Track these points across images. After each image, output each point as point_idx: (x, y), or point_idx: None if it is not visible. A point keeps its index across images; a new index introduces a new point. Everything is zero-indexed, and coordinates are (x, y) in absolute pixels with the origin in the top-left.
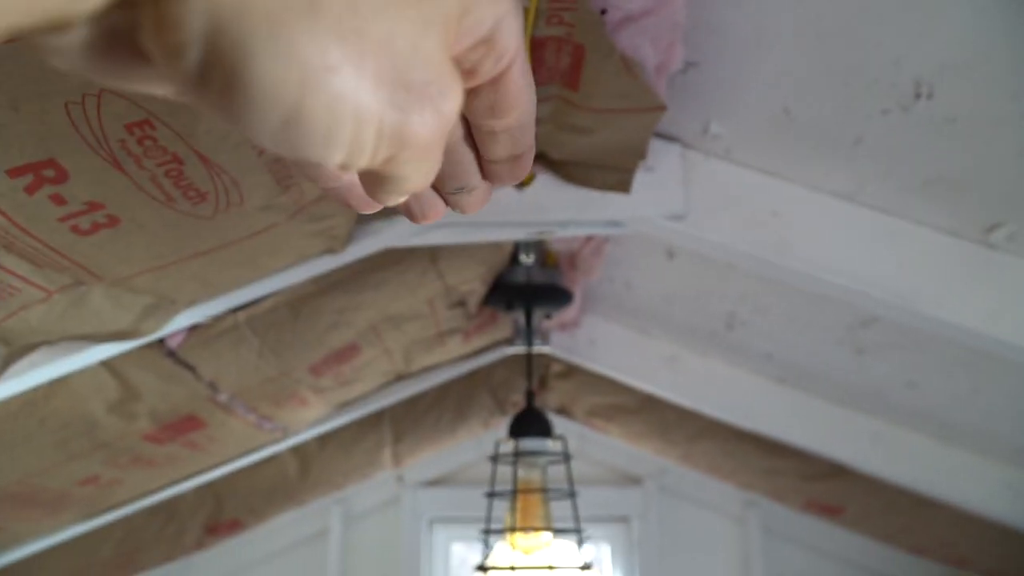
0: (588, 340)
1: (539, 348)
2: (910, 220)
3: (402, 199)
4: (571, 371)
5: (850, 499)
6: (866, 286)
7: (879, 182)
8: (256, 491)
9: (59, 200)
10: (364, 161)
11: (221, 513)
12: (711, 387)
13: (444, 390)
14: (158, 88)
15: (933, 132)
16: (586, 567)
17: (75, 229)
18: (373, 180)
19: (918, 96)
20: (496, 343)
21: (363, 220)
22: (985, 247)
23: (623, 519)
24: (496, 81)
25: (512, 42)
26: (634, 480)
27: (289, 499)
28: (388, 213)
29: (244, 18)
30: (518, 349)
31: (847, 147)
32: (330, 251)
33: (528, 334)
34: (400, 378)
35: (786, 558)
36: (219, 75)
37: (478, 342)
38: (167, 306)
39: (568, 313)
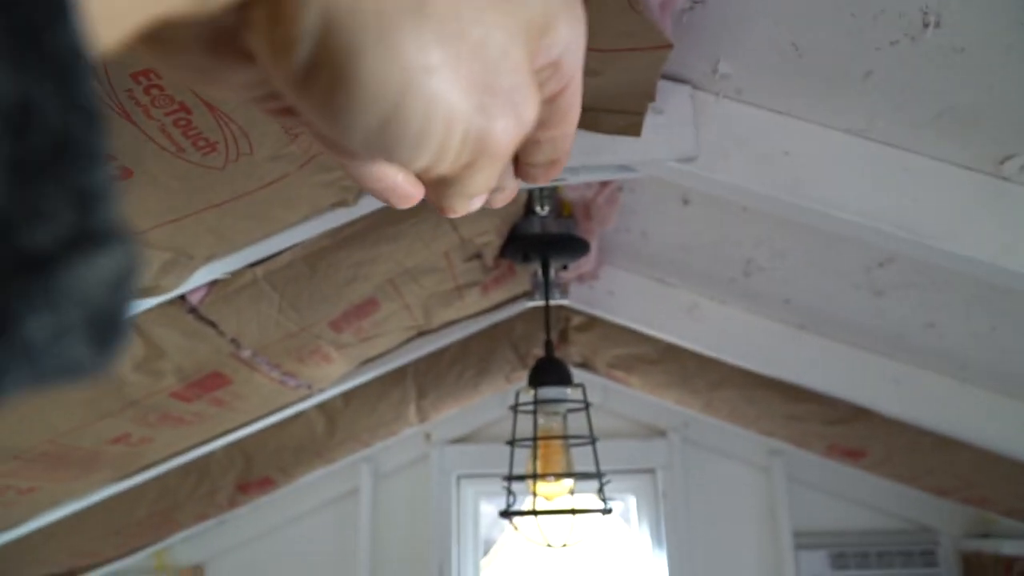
0: (607, 291)
1: (558, 301)
2: (922, 154)
3: (467, 208)
4: (591, 323)
5: (872, 442)
6: (879, 222)
7: (890, 117)
8: (285, 449)
9: None
10: (446, 165)
11: (251, 471)
12: (731, 334)
13: (465, 345)
14: (245, 91)
15: (943, 62)
16: (607, 512)
17: None
18: (441, 185)
19: (926, 25)
20: (515, 297)
21: None
22: (998, 179)
23: (648, 470)
24: (553, 99)
25: (575, 65)
26: (658, 432)
27: (317, 456)
28: None
29: (356, 17)
30: (537, 303)
31: (857, 81)
32: (343, 203)
33: (545, 285)
34: (421, 334)
35: (811, 506)
36: (326, 73)
37: (497, 296)
38: (185, 261)
39: (586, 265)
